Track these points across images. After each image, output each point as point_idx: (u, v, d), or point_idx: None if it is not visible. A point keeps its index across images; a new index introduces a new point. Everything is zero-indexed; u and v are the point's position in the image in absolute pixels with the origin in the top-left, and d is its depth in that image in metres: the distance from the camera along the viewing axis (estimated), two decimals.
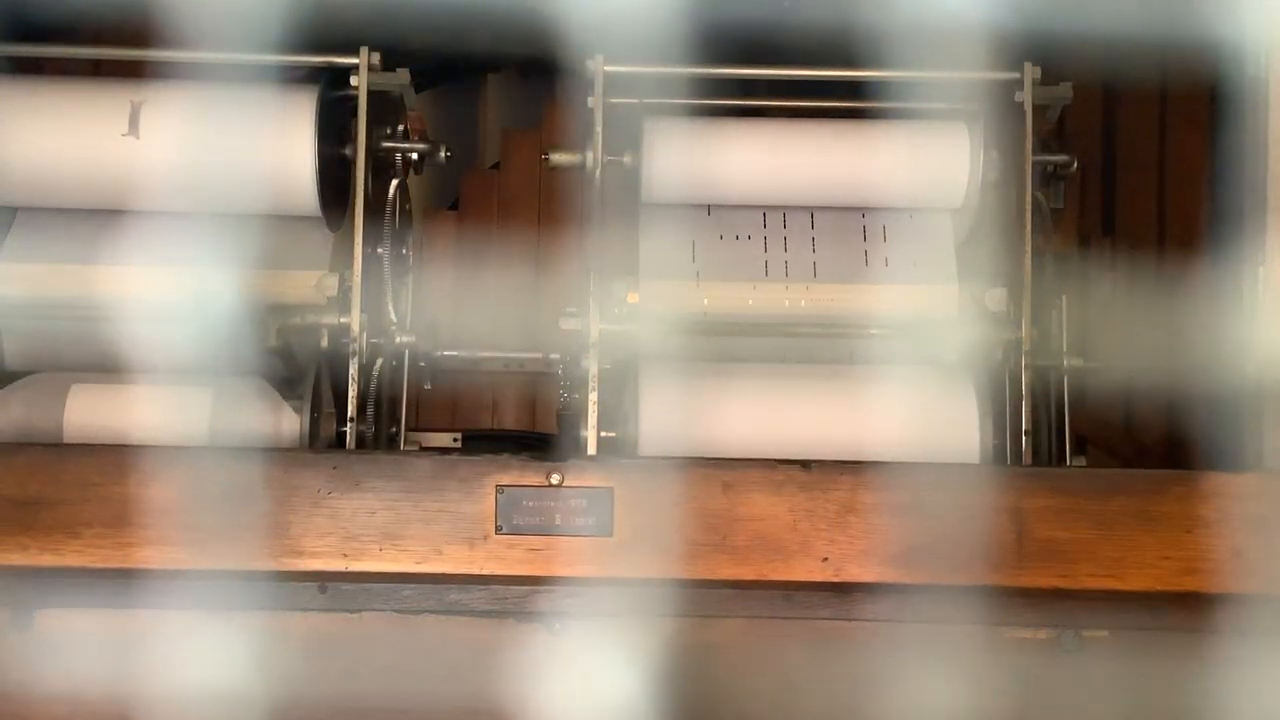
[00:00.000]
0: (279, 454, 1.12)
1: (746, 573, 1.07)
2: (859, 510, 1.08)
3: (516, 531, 1.07)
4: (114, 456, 1.08)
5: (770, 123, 1.34)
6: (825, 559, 1.07)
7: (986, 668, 1.11)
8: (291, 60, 1.27)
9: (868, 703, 1.13)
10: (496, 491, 1.07)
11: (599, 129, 1.26)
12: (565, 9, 1.26)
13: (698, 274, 1.29)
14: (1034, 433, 1.23)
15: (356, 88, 1.24)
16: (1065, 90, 1.28)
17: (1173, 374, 1.34)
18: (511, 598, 1.12)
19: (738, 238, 1.31)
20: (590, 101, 1.27)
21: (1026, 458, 1.22)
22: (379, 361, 1.29)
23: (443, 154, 1.36)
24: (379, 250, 1.32)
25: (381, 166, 1.32)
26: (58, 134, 1.23)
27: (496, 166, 1.89)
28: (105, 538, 1.05)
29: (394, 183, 1.35)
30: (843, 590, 1.09)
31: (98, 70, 1.43)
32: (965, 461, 1.23)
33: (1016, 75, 1.26)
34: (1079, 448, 1.27)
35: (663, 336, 1.27)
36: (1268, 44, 1.17)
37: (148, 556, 1.06)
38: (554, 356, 1.40)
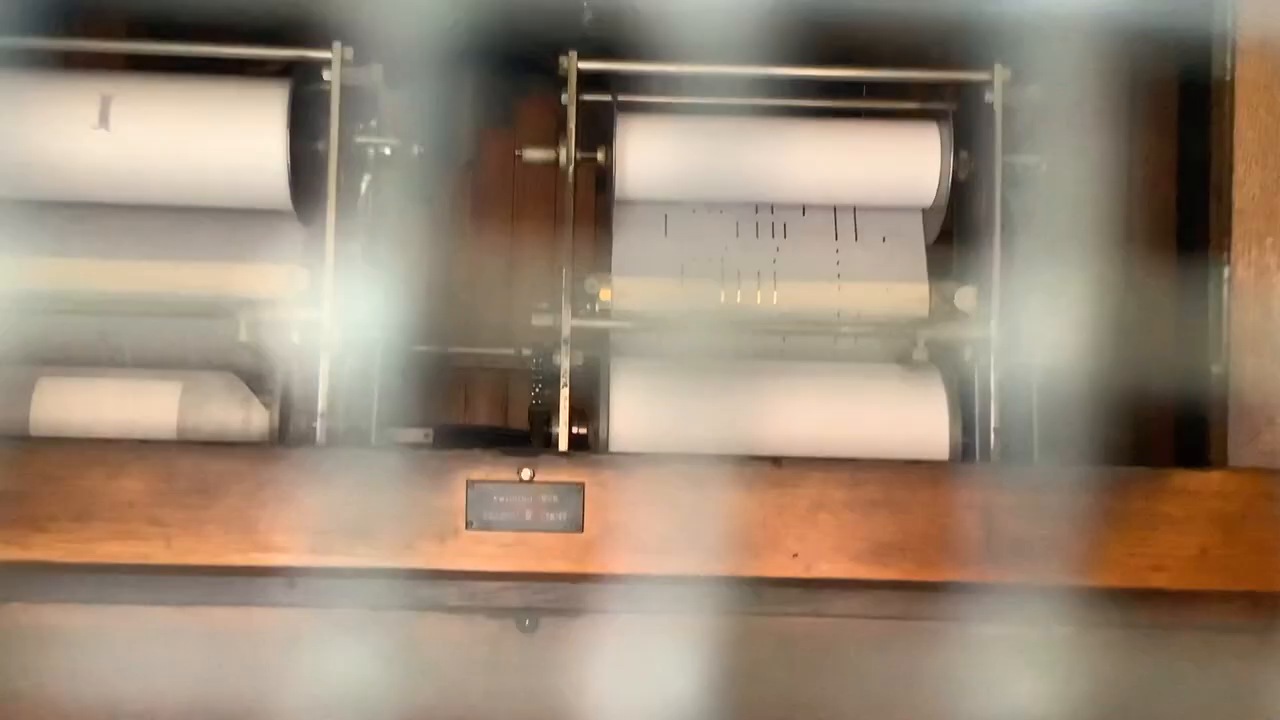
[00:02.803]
0: (248, 448, 1.12)
1: (716, 569, 1.07)
2: (829, 507, 1.08)
3: (487, 527, 1.07)
4: (80, 450, 1.07)
5: (743, 120, 1.34)
6: (795, 555, 1.08)
7: (954, 664, 1.11)
8: (264, 54, 1.27)
9: (835, 699, 1.13)
10: (467, 486, 1.07)
11: (572, 126, 1.26)
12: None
13: (670, 271, 1.29)
14: (1002, 430, 1.23)
15: (329, 82, 1.23)
16: (1036, 91, 1.29)
17: (1140, 372, 1.35)
18: (482, 593, 1.12)
19: (710, 235, 1.32)
20: (564, 98, 1.27)
21: (995, 455, 1.23)
22: (350, 356, 1.29)
23: (415, 150, 1.36)
24: (351, 245, 1.31)
25: (354, 161, 1.32)
26: (27, 125, 1.22)
27: (471, 163, 1.88)
28: (71, 532, 1.05)
29: (366, 178, 1.34)
30: (813, 586, 1.09)
31: (68, 62, 1.42)
32: (935, 459, 1.23)
33: (987, 76, 1.27)
34: (1046, 445, 1.27)
35: (635, 333, 1.28)
36: (1234, 45, 1.19)
37: (114, 551, 1.05)
38: (526, 353, 1.40)
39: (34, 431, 1.20)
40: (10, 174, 1.24)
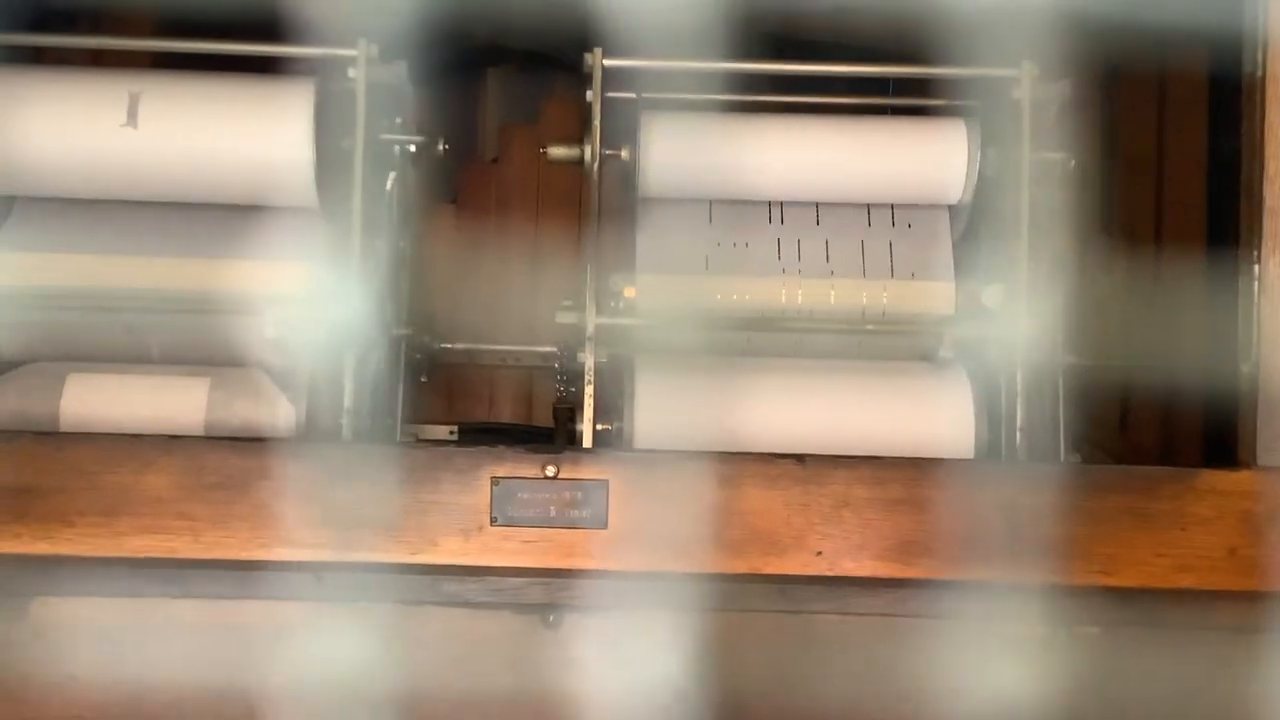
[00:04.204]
0: (275, 444, 1.12)
1: (741, 566, 1.07)
2: (853, 505, 1.08)
3: (511, 523, 1.07)
4: (109, 445, 1.08)
5: (768, 118, 1.34)
6: (819, 553, 1.08)
7: (978, 664, 1.11)
8: (290, 52, 1.27)
9: (859, 696, 1.13)
10: (492, 483, 1.07)
11: (597, 123, 1.26)
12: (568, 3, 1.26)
13: (694, 268, 1.29)
14: (1029, 429, 1.23)
15: (355, 79, 1.24)
16: (1064, 88, 1.28)
17: (1169, 371, 1.34)
18: (506, 589, 1.12)
19: (734, 232, 1.31)
20: (589, 95, 1.27)
21: (1021, 454, 1.22)
22: (376, 353, 1.29)
23: (440, 147, 1.36)
24: (377, 242, 1.32)
25: (380, 158, 1.32)
26: (56, 123, 1.23)
27: (496, 160, 1.89)
28: (100, 526, 1.06)
29: (391, 175, 1.35)
30: (836, 584, 1.09)
31: (97, 60, 1.43)
32: (960, 457, 1.23)
33: (1015, 72, 1.26)
34: (1074, 444, 1.27)
35: (659, 330, 1.27)
36: (1265, 41, 1.18)
37: (142, 545, 1.06)
38: (551, 350, 1.40)
39: (64, 427, 1.21)
40: (40, 171, 1.25)
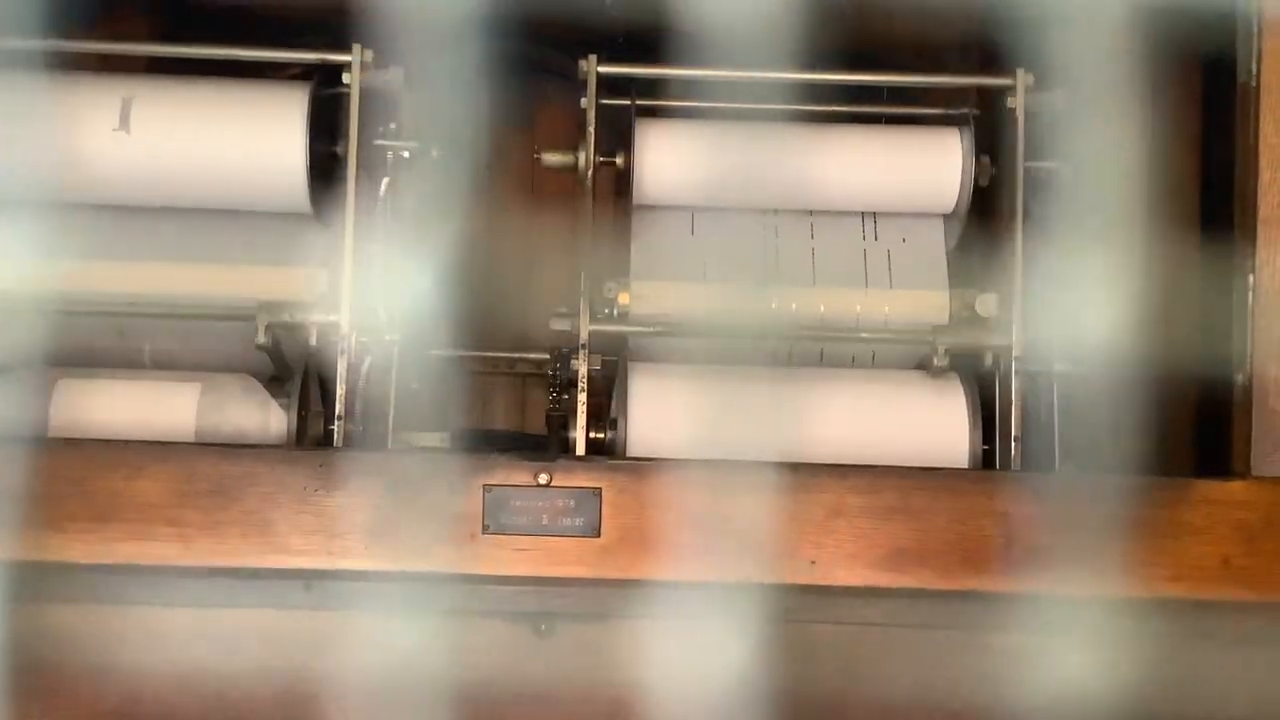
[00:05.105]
0: (266, 451, 1.12)
1: (733, 575, 1.07)
2: (846, 514, 1.08)
3: (503, 531, 1.07)
4: (100, 451, 1.08)
5: (763, 126, 1.34)
6: (812, 562, 1.07)
7: (972, 673, 1.11)
8: (285, 57, 1.27)
9: (853, 707, 1.13)
10: (484, 491, 1.07)
11: (591, 129, 1.26)
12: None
13: (689, 276, 1.29)
14: (1023, 438, 1.23)
15: (349, 85, 1.24)
16: (1058, 97, 1.28)
17: (1163, 381, 1.34)
18: (497, 597, 1.12)
19: (728, 240, 1.31)
20: (583, 102, 1.27)
21: (1016, 463, 1.22)
22: (367, 360, 1.29)
23: (433, 153, 1.36)
24: (370, 247, 1.31)
25: (373, 164, 1.32)
26: (48, 128, 1.23)
27: (489, 166, 1.88)
28: (90, 532, 1.05)
29: (385, 180, 1.34)
30: (830, 594, 1.09)
31: (89, 64, 1.42)
32: (955, 466, 1.23)
33: (1009, 81, 1.26)
34: (1068, 453, 1.27)
35: (653, 338, 1.27)
36: (1259, 51, 1.18)
37: (132, 552, 1.05)
38: (544, 357, 1.40)
39: (53, 433, 1.20)
40: (32, 176, 1.24)
